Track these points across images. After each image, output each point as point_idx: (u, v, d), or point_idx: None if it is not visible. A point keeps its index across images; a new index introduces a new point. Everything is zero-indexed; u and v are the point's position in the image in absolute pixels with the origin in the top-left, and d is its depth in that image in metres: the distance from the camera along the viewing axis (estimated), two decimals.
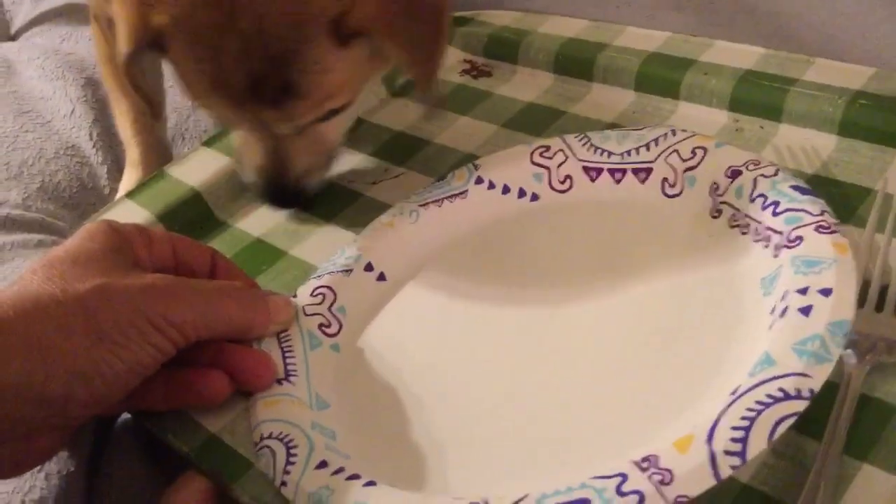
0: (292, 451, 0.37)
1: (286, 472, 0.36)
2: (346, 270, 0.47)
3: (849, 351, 0.37)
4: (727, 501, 0.34)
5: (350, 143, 0.57)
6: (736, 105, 0.53)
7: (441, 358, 0.43)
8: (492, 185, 0.50)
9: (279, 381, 0.41)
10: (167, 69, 0.69)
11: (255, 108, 0.46)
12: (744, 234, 0.42)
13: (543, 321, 0.43)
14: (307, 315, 0.44)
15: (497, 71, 0.65)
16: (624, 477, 0.30)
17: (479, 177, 0.50)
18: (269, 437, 0.38)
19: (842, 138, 0.49)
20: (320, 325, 0.44)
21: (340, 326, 0.45)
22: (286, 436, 0.38)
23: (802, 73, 0.52)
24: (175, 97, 0.71)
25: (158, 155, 0.64)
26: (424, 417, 0.40)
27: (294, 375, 0.41)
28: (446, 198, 0.50)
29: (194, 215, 0.56)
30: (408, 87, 0.65)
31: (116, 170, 0.66)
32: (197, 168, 0.58)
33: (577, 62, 0.60)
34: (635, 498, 0.29)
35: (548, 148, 0.50)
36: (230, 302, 0.40)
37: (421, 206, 0.50)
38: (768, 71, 0.53)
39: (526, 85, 0.62)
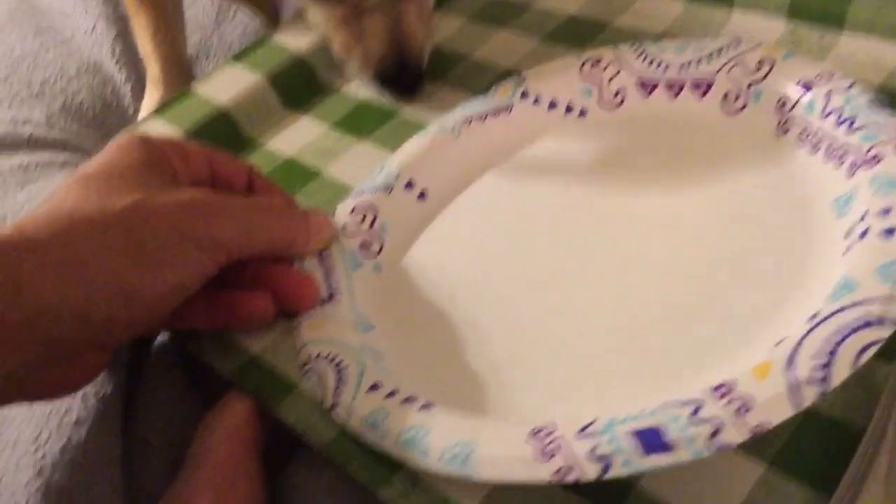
0: (343, 373, 0.36)
1: (337, 395, 0.35)
2: (387, 188, 0.45)
3: None
4: (792, 424, 0.33)
5: None
6: (794, 13, 0.50)
7: (489, 277, 0.41)
8: (537, 100, 0.48)
9: (323, 302, 0.40)
10: None
11: None
12: (815, 152, 0.39)
13: (596, 240, 0.41)
14: (347, 234, 0.43)
15: None
16: (699, 404, 0.29)
17: (524, 91, 0.48)
18: (317, 357, 0.37)
19: None
20: (361, 245, 0.43)
21: (382, 246, 0.43)
22: (335, 356, 0.37)
23: None
24: (197, 14, 0.69)
25: (180, 70, 0.63)
26: (475, 338, 0.38)
27: (338, 295, 0.40)
28: (490, 113, 0.48)
29: (223, 134, 0.54)
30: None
31: (140, 88, 0.64)
32: (225, 85, 0.56)
33: None
34: (711, 426, 0.28)
35: (599, 60, 0.47)
36: (271, 218, 0.39)
37: (463, 122, 0.48)
38: None
39: None
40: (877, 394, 0.33)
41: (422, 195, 0.46)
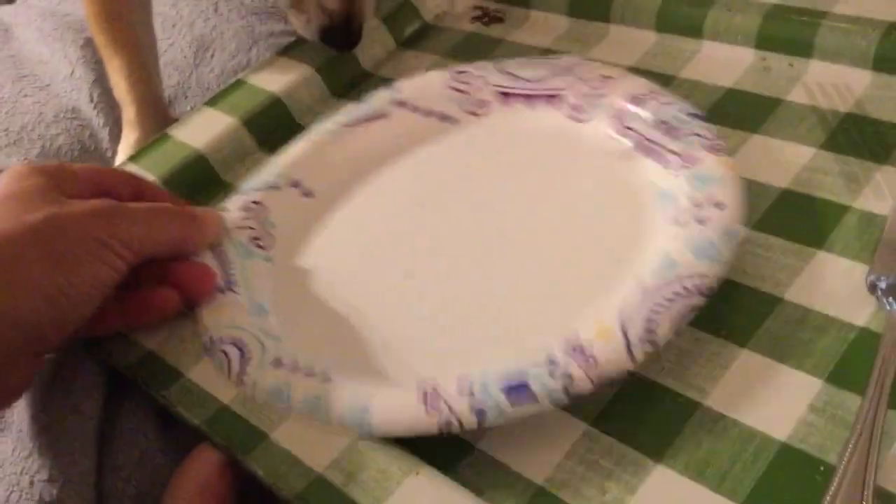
0: (245, 351, 0.40)
1: (242, 371, 0.39)
2: (275, 186, 0.49)
3: (892, 299, 0.36)
4: (764, 461, 0.33)
5: None
6: (763, 42, 0.50)
7: (373, 263, 0.46)
8: (414, 108, 0.52)
9: (221, 291, 0.43)
10: (158, 25, 0.67)
11: None
12: (647, 155, 0.45)
13: (465, 228, 0.46)
14: (239, 227, 0.46)
15: (510, 16, 0.62)
16: (556, 361, 0.35)
17: (399, 100, 0.52)
18: (221, 341, 0.41)
19: (877, 74, 0.46)
20: (253, 238, 0.46)
21: (272, 239, 0.47)
22: (237, 339, 0.41)
23: (833, 6, 0.49)
24: (175, 56, 0.69)
25: (156, 112, 0.62)
26: (361, 317, 0.43)
27: (234, 285, 0.44)
28: (368, 119, 0.52)
29: (200, 178, 0.54)
30: (416, 37, 0.62)
31: (118, 131, 0.64)
32: (201, 129, 0.56)
33: (593, 2, 0.57)
34: (565, 379, 0.34)
35: (465, 72, 0.53)
36: (168, 219, 0.43)
37: (345, 126, 0.52)
38: (797, 4, 0.50)
39: (540, 29, 0.59)
40: (848, 427, 0.33)
41: (308, 193, 0.49)
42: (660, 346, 0.35)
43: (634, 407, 0.36)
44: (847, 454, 0.32)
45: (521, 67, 0.51)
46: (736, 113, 0.48)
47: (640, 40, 0.55)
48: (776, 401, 0.35)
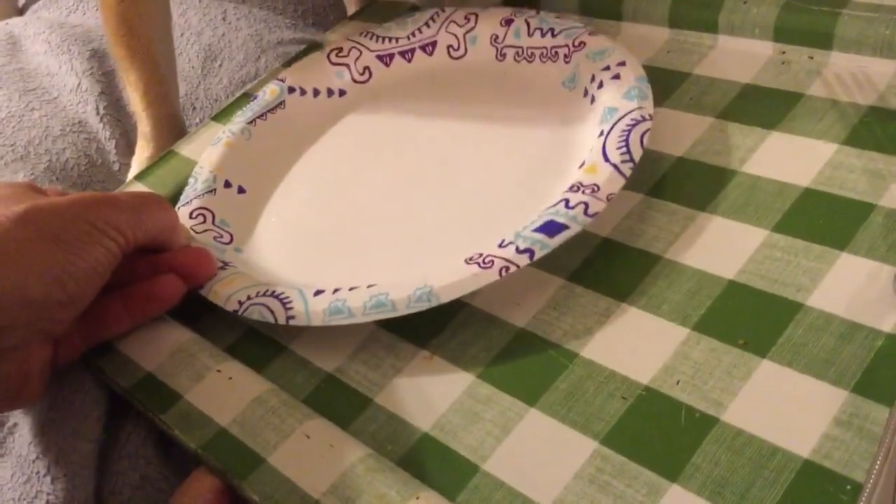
0: (282, 296, 0.42)
1: (288, 309, 0.41)
2: (210, 190, 0.51)
3: None
4: (786, 479, 0.31)
5: None
6: (781, 34, 0.48)
7: (343, 209, 0.49)
8: (303, 91, 0.56)
9: (221, 269, 0.45)
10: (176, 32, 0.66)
11: None
12: (530, 62, 0.53)
13: (420, 165, 0.50)
14: (198, 233, 0.48)
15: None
16: (568, 199, 0.40)
17: (289, 87, 0.56)
18: (248, 299, 0.42)
19: None
20: (214, 238, 0.48)
21: (231, 236, 0.49)
22: (265, 290, 0.43)
23: None
24: (183, 66, 0.68)
25: (171, 128, 0.61)
26: (360, 251, 0.46)
27: (229, 265, 0.46)
28: (268, 111, 0.55)
29: None
30: None
31: (125, 144, 0.63)
32: (207, 145, 0.55)
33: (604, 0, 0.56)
34: (582, 206, 0.40)
35: (341, 49, 0.57)
36: (154, 207, 0.43)
37: (248, 123, 0.54)
38: None
39: None
40: (875, 440, 0.31)
41: (241, 190, 0.52)
42: (636, 162, 0.41)
43: (647, 423, 0.35)
44: (875, 470, 0.30)
45: (389, 30, 0.57)
46: (754, 109, 0.46)
47: (652, 37, 0.53)
48: (798, 414, 0.33)
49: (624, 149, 0.42)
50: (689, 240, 0.41)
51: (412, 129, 0.53)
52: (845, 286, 0.37)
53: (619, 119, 0.44)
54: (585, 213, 0.40)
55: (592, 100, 0.47)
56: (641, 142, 0.42)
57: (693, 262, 0.40)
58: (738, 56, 0.49)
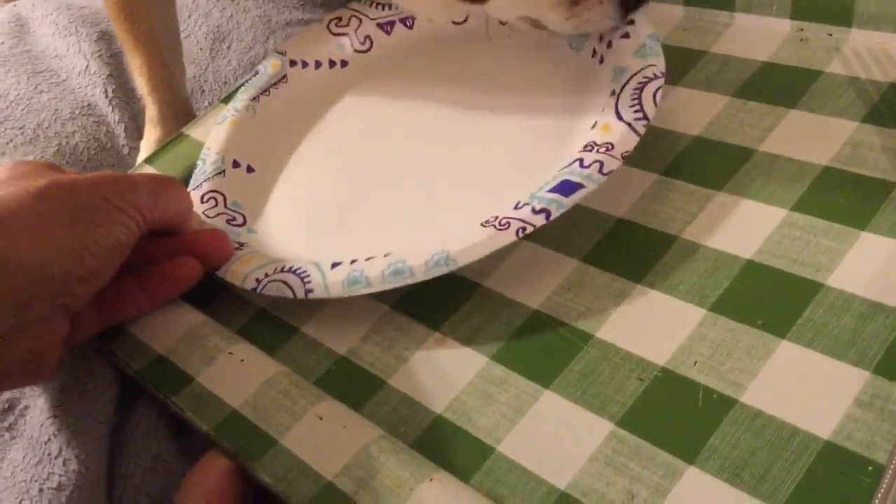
0: (299, 271, 0.42)
1: (307, 283, 0.41)
2: (219, 172, 0.50)
3: None
4: (806, 461, 0.31)
5: None
6: (799, 12, 0.47)
7: (356, 182, 0.49)
8: (304, 64, 0.56)
9: (237, 249, 0.45)
10: (181, 14, 0.66)
11: None
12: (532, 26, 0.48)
13: (434, 133, 0.50)
14: (211, 218, 0.48)
15: None
16: (582, 158, 0.40)
17: (291, 60, 0.56)
18: (266, 276, 0.42)
19: None
20: (227, 221, 0.48)
21: (244, 217, 0.49)
22: (282, 267, 0.43)
23: None
24: (191, 48, 0.68)
25: (178, 111, 0.61)
26: (378, 223, 0.46)
27: (245, 244, 0.46)
28: (271, 86, 0.55)
29: None
30: None
31: (135, 128, 0.63)
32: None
33: None
34: (597, 164, 0.40)
35: (340, 18, 0.57)
36: (171, 188, 0.43)
37: (252, 100, 0.54)
38: None
39: None
40: None
41: (250, 169, 0.51)
42: (650, 119, 0.41)
43: (664, 404, 0.34)
44: None
45: None
46: (772, 88, 0.45)
47: (667, 15, 0.52)
48: (819, 395, 0.32)
49: (637, 107, 0.41)
50: (706, 220, 0.40)
51: (418, 97, 0.52)
52: (866, 265, 0.36)
53: (631, 77, 0.43)
54: (600, 171, 0.39)
55: (601, 60, 0.46)
56: (655, 99, 0.42)
57: (710, 242, 0.39)
58: (756, 34, 0.48)
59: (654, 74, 0.43)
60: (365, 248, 0.42)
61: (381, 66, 0.56)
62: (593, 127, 0.42)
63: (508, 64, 0.51)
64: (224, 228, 0.47)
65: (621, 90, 0.43)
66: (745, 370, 0.34)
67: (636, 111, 0.41)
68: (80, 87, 0.65)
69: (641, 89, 0.42)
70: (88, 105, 0.63)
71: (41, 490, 0.37)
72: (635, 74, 0.43)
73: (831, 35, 0.46)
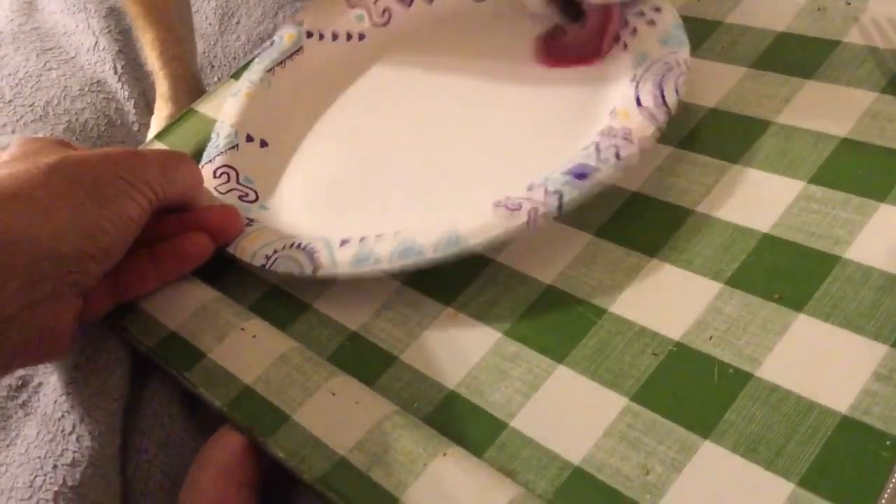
0: (308, 248, 0.42)
1: (315, 260, 0.41)
2: (233, 146, 0.50)
3: None
4: (824, 435, 0.30)
5: None
6: None
7: (371, 159, 0.48)
8: (321, 36, 0.55)
9: (247, 225, 0.45)
10: None
11: None
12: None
13: (421, 128, 0.49)
14: (223, 194, 0.47)
15: None
16: (598, 144, 0.40)
17: (308, 31, 0.55)
18: (275, 252, 0.42)
19: None
20: (240, 197, 0.47)
21: (256, 194, 0.48)
22: (291, 243, 0.42)
23: None
24: (200, 23, 0.67)
25: (190, 87, 0.61)
26: (388, 201, 0.45)
27: (254, 222, 0.45)
28: (287, 58, 0.54)
29: None
30: None
31: (144, 104, 0.62)
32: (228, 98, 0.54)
33: None
34: (614, 150, 0.39)
35: None
36: (181, 164, 0.43)
37: (267, 71, 0.53)
38: None
39: None
40: None
41: (264, 143, 0.51)
42: (672, 110, 0.40)
43: (679, 379, 0.34)
44: None
45: None
46: (789, 58, 0.44)
47: None
48: (836, 369, 0.32)
49: (658, 95, 0.41)
50: (721, 193, 0.40)
51: (435, 75, 0.52)
52: (885, 238, 0.35)
53: (652, 64, 0.43)
54: (616, 157, 0.39)
55: (625, 46, 0.45)
56: (677, 89, 0.41)
57: (726, 215, 0.39)
58: (772, 3, 0.47)
59: (678, 63, 0.42)
60: (376, 225, 0.42)
61: (399, 41, 0.55)
62: (612, 112, 0.42)
63: (527, 43, 0.50)
64: (236, 205, 0.46)
65: (642, 76, 0.42)
66: (762, 344, 0.34)
67: (657, 98, 0.41)
68: (88, 64, 0.65)
69: (663, 77, 0.42)
70: (98, 82, 0.63)
71: (55, 466, 0.37)
72: (657, 62, 0.42)
73: (849, 4, 0.45)
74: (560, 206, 0.38)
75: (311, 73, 0.54)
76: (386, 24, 0.55)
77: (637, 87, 0.42)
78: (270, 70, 0.53)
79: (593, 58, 0.46)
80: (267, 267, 0.42)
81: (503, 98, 0.48)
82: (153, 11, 0.58)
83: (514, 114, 0.47)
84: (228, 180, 0.48)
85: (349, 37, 0.55)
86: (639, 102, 0.41)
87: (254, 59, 0.56)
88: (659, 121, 0.40)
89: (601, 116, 0.43)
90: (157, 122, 0.61)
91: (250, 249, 0.43)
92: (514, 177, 0.41)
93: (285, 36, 0.55)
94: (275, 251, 0.42)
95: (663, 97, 0.41)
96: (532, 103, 0.47)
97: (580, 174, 0.39)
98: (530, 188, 0.39)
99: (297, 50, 0.54)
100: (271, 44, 0.55)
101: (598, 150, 0.39)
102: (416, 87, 0.52)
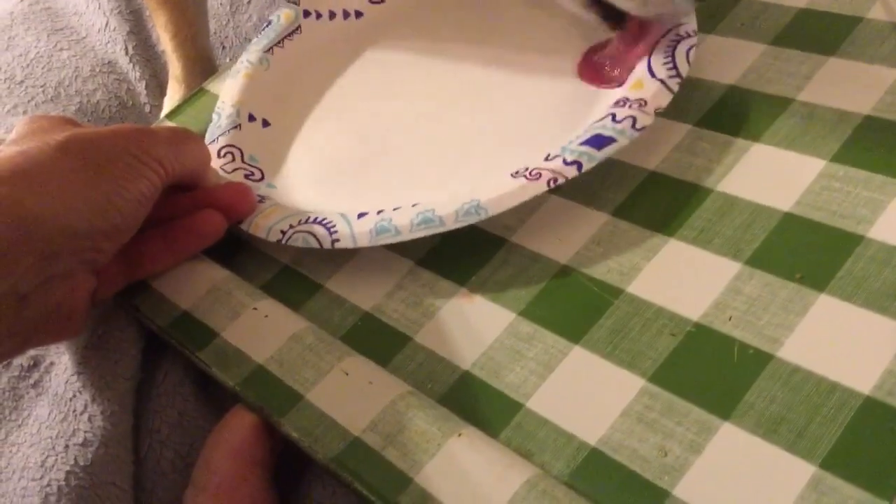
0: (325, 222, 0.41)
1: (333, 233, 0.40)
2: (235, 126, 0.49)
3: None
4: (846, 417, 0.30)
5: None
6: None
7: (378, 136, 0.48)
8: (318, 15, 0.55)
9: (259, 202, 0.44)
10: None
11: None
12: None
13: (427, 103, 0.49)
14: (229, 173, 0.47)
15: None
16: (614, 113, 0.39)
17: (305, 10, 0.54)
18: (291, 228, 0.42)
19: None
20: (245, 176, 0.47)
21: (262, 172, 0.48)
22: (307, 218, 0.42)
23: None
24: (212, 3, 0.67)
25: (203, 68, 0.60)
26: (396, 177, 0.45)
27: (266, 199, 0.45)
28: (285, 38, 0.54)
29: None
30: None
31: (156, 85, 0.62)
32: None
33: None
34: (630, 120, 0.39)
35: None
36: (191, 142, 0.42)
37: (266, 52, 0.53)
38: None
39: None
40: None
41: (266, 123, 0.50)
42: (683, 77, 0.40)
43: (698, 360, 0.33)
44: None
45: None
46: (810, 35, 0.44)
47: None
48: (859, 350, 0.31)
49: (671, 64, 0.41)
50: (741, 171, 0.39)
51: (435, 50, 0.51)
52: None
53: (663, 35, 0.42)
54: (633, 126, 0.39)
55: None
56: (688, 58, 0.41)
57: (746, 194, 0.38)
58: None
59: (687, 33, 0.42)
60: (388, 200, 0.41)
61: (397, 18, 0.54)
62: (623, 84, 0.41)
63: (531, 16, 0.50)
64: (243, 182, 0.46)
65: (653, 48, 0.42)
66: (783, 325, 0.33)
67: (670, 68, 0.40)
68: (100, 45, 0.64)
69: (674, 47, 0.41)
70: (109, 62, 0.63)
71: (67, 446, 0.37)
72: (667, 33, 0.42)
73: None
74: (579, 170, 0.38)
75: (310, 51, 0.54)
76: (382, 0, 0.55)
77: (649, 57, 0.41)
78: (269, 50, 0.53)
79: (619, 77, 0.43)
80: (283, 242, 0.41)
81: (510, 73, 0.48)
82: None
83: (523, 88, 0.46)
84: (233, 159, 0.48)
85: (346, 14, 0.55)
86: (651, 73, 0.41)
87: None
88: (673, 90, 0.40)
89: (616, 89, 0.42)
90: (170, 104, 0.61)
91: (265, 225, 0.43)
92: (529, 149, 0.40)
93: (282, 16, 0.54)
94: (290, 226, 0.42)
95: (676, 66, 0.40)
96: (541, 77, 0.46)
97: (598, 143, 0.38)
98: (548, 158, 0.39)
99: (295, 29, 0.54)
100: (268, 24, 0.54)
101: (614, 120, 0.39)
102: (415, 65, 0.51)
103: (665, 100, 0.40)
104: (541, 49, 0.48)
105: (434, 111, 0.48)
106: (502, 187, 0.38)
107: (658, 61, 0.41)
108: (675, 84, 0.40)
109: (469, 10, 0.53)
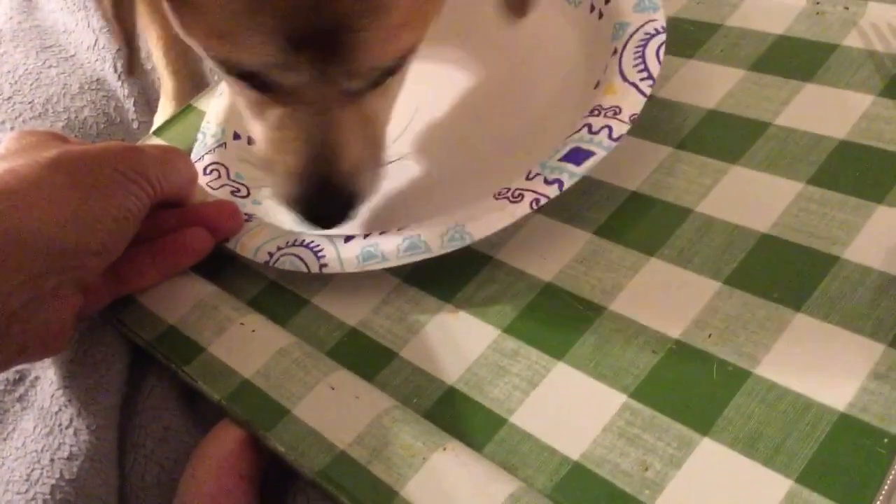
0: (313, 245, 0.41)
1: (321, 257, 0.41)
2: (221, 144, 0.50)
3: None
4: (822, 433, 0.31)
5: None
6: None
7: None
8: None
9: (246, 221, 0.45)
10: None
11: (316, 41, 0.33)
12: None
13: (442, 102, 0.49)
14: (215, 189, 0.47)
15: None
16: (590, 124, 0.40)
17: None
18: (278, 249, 0.42)
19: None
20: (232, 193, 0.48)
21: (248, 189, 0.48)
22: (294, 240, 0.42)
23: None
24: None
25: (194, 85, 0.61)
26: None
27: (253, 216, 0.46)
28: None
29: None
30: None
31: (144, 102, 0.62)
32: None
33: None
34: (606, 130, 0.39)
35: None
36: (179, 161, 0.43)
37: None
38: None
39: None
40: None
41: (251, 141, 0.48)
42: (655, 79, 0.41)
43: (678, 376, 0.34)
44: None
45: None
46: (788, 61, 0.45)
47: None
48: (834, 367, 0.32)
49: (641, 66, 0.41)
50: (720, 193, 0.40)
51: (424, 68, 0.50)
52: (882, 239, 0.36)
53: (632, 34, 0.42)
54: (610, 137, 0.39)
55: (600, 15, 0.46)
56: (658, 56, 0.41)
57: (725, 215, 0.39)
58: (771, 7, 0.48)
59: (656, 30, 0.42)
60: (375, 222, 0.42)
61: None
62: (596, 87, 0.42)
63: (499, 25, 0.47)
64: (229, 198, 0.46)
65: (623, 48, 0.42)
66: (760, 343, 0.34)
67: (640, 70, 0.41)
68: (88, 62, 0.65)
69: (644, 47, 0.42)
70: (97, 80, 0.63)
71: (52, 460, 0.37)
72: (636, 31, 0.42)
73: (847, 8, 0.46)
74: (560, 189, 0.39)
75: None
76: None
77: (620, 59, 0.42)
78: None
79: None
80: (271, 264, 0.42)
81: (485, 85, 0.49)
82: (158, 10, 0.58)
83: (500, 99, 0.47)
84: (219, 176, 0.48)
85: None
86: (623, 76, 0.41)
87: None
88: (645, 94, 0.40)
89: (587, 92, 0.43)
90: (160, 120, 0.61)
91: (252, 246, 0.43)
92: (510, 165, 0.41)
93: None
94: (278, 248, 0.42)
95: (647, 68, 0.41)
96: (515, 86, 0.47)
97: (577, 159, 0.39)
98: (529, 177, 0.39)
99: None
100: None
101: (590, 131, 0.39)
102: (448, 65, 0.51)
103: (639, 105, 0.40)
104: (517, 48, 0.49)
105: (422, 126, 0.48)
106: (487, 210, 0.39)
107: (629, 63, 0.41)
108: (647, 87, 0.40)
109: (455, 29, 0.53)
